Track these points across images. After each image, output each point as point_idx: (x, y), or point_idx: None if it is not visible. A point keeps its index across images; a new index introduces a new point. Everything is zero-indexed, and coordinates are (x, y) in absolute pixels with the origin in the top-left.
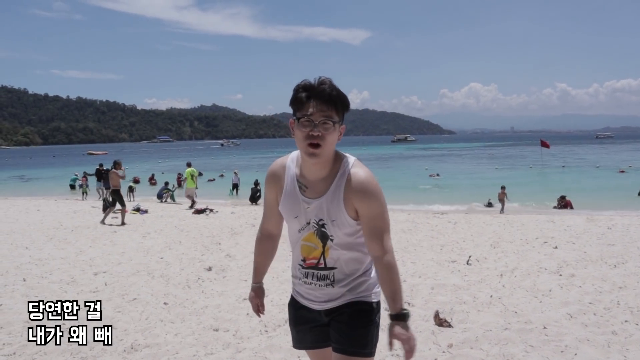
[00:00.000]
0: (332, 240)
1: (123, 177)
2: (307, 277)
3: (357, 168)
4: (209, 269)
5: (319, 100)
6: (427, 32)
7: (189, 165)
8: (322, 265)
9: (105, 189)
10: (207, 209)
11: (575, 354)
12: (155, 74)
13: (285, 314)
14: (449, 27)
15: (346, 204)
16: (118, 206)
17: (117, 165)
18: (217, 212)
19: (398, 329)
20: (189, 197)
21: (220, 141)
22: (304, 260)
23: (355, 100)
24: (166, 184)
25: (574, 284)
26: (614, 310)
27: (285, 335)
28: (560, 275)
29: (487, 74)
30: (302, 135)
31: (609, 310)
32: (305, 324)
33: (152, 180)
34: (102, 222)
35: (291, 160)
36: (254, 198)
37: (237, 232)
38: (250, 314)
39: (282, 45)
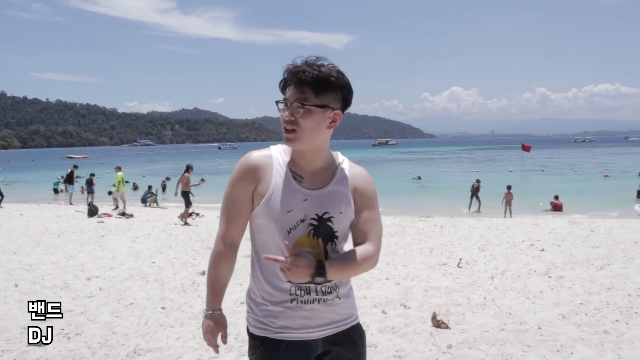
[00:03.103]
0: (337, 237)
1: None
2: (309, 293)
3: (353, 163)
4: (203, 273)
5: (295, 83)
6: (409, 37)
7: (118, 169)
8: None
9: (88, 193)
10: (193, 212)
11: (572, 353)
12: (137, 77)
13: None
14: (431, 31)
15: (352, 195)
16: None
17: (189, 169)
18: (202, 216)
19: (307, 262)
20: (116, 200)
21: (218, 144)
22: None
23: None
24: (149, 187)
25: (563, 286)
26: (604, 311)
27: None
28: (550, 277)
29: (468, 78)
30: (281, 121)
31: (599, 310)
32: None
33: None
34: (185, 223)
35: (277, 150)
36: None
37: None
38: None
39: (264, 48)
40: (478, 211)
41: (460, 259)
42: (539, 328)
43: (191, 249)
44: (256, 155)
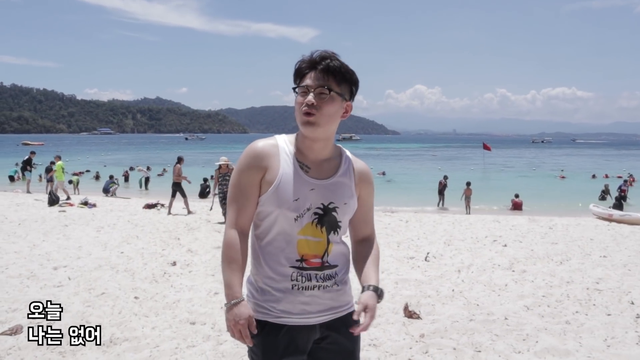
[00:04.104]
0: (340, 227)
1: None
2: (309, 280)
3: (354, 157)
4: (174, 264)
5: (316, 71)
6: (375, 33)
7: (58, 158)
8: (327, 264)
9: (48, 181)
10: (158, 203)
11: (537, 342)
12: (97, 63)
13: None
14: (397, 28)
15: (355, 186)
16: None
17: (181, 160)
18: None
19: (374, 301)
20: (57, 189)
21: (185, 135)
22: (302, 260)
23: None
24: (111, 177)
25: (526, 279)
26: (565, 303)
27: None
28: (513, 271)
29: (432, 76)
30: (297, 106)
31: (560, 302)
32: (298, 354)
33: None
34: (189, 212)
35: (282, 140)
36: (204, 194)
37: (194, 227)
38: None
39: (229, 39)
40: (442, 207)
41: (428, 253)
42: (506, 319)
43: (159, 239)
44: (263, 143)
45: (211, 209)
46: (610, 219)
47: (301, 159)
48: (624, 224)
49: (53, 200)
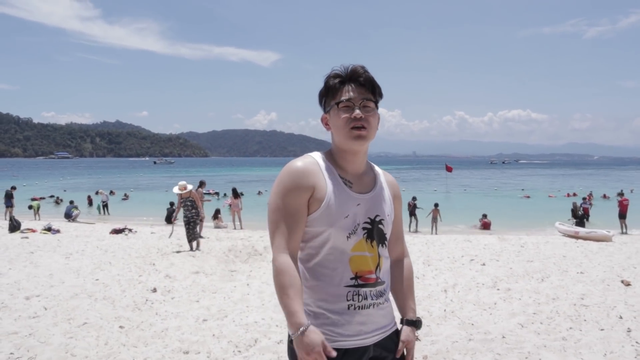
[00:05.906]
0: (386, 239)
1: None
2: (365, 299)
3: (381, 169)
4: (154, 290)
5: (356, 84)
6: (334, 56)
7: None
8: (380, 279)
9: (7, 207)
10: (125, 228)
11: (540, 359)
12: (55, 86)
13: (252, 333)
14: (357, 52)
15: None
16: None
17: (203, 184)
18: (136, 232)
19: (413, 336)
20: None
21: (153, 158)
22: (357, 278)
23: (263, 122)
24: (71, 202)
25: (513, 297)
26: (557, 319)
27: (260, 355)
28: (498, 289)
29: (392, 99)
30: (344, 121)
31: (552, 319)
32: None
33: (57, 200)
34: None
35: (319, 157)
36: (170, 218)
37: (167, 252)
38: (217, 335)
39: (190, 63)
40: (416, 230)
41: None
42: (503, 337)
43: (134, 265)
44: (304, 162)
45: (170, 236)
46: (577, 236)
47: (343, 175)
48: (590, 241)
49: (14, 227)
